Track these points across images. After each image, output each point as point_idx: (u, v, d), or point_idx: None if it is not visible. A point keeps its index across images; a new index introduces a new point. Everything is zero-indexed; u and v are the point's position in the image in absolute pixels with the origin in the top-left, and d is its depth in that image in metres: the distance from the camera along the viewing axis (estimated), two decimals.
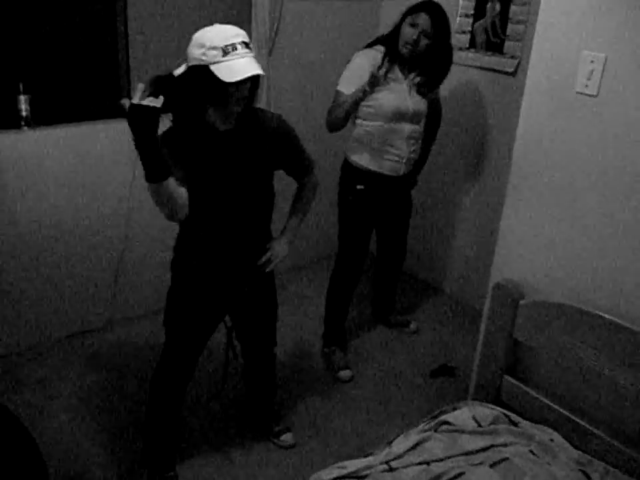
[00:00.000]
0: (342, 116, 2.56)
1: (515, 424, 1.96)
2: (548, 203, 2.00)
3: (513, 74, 3.14)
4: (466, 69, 3.34)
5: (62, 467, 2.32)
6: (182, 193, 1.80)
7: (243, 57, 1.73)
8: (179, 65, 1.82)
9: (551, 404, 1.99)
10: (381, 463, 1.78)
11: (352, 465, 1.77)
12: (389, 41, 2.64)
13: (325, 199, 3.05)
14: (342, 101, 2.56)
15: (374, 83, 2.41)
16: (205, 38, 1.73)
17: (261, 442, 2.52)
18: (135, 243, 3.12)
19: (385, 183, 2.77)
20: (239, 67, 1.71)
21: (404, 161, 2.74)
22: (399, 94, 2.64)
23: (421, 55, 2.61)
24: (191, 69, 1.76)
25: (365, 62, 2.58)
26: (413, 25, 2.55)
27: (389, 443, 1.90)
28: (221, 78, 1.70)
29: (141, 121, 1.63)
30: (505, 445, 1.86)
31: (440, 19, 2.57)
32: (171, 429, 2.30)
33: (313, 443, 2.54)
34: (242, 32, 1.78)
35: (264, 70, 1.93)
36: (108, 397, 2.71)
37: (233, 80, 1.70)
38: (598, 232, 1.87)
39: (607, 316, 1.81)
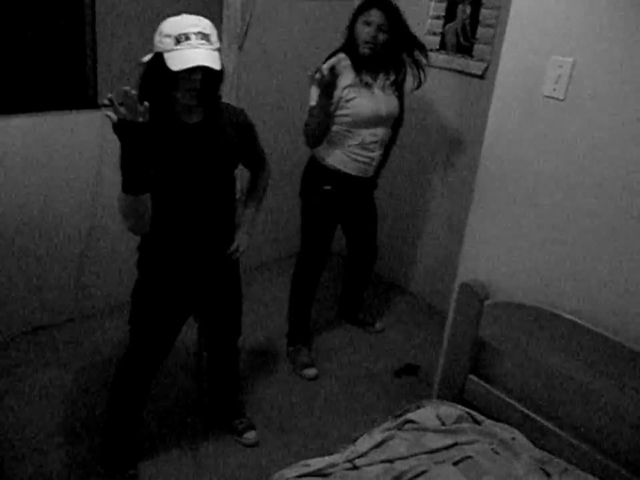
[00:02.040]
0: (317, 129, 2.53)
1: (479, 423, 1.98)
2: (514, 205, 2.02)
3: (482, 77, 3.17)
4: (436, 71, 3.36)
5: (19, 463, 2.27)
6: (149, 208, 1.80)
7: (195, 48, 1.72)
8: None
9: (514, 403, 2.02)
10: (345, 461, 1.78)
11: (316, 463, 1.76)
12: (349, 46, 2.62)
13: (292, 196, 3.04)
14: (312, 112, 2.53)
15: (324, 85, 2.36)
16: (165, 25, 1.75)
17: (224, 439, 2.50)
18: (100, 235, 3.06)
19: (352, 183, 2.76)
20: (187, 57, 1.70)
21: (374, 163, 2.75)
22: (372, 98, 2.63)
23: (383, 51, 2.60)
24: (154, 56, 1.78)
25: (325, 67, 2.52)
26: (367, 23, 2.54)
27: (353, 442, 1.90)
28: (168, 66, 1.71)
29: (128, 135, 1.65)
30: (468, 444, 1.87)
31: (392, 11, 2.56)
32: (133, 427, 2.26)
33: (277, 441, 2.53)
34: (204, 23, 1.77)
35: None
36: (69, 392, 2.65)
37: (176, 69, 1.70)
38: (563, 234, 1.90)
39: (569, 316, 1.84)
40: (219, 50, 1.79)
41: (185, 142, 1.90)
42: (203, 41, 1.73)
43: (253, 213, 2.25)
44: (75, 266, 3.03)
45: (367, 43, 2.56)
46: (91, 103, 2.85)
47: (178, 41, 1.71)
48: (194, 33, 1.72)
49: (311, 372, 2.95)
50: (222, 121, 1.98)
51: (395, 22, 2.58)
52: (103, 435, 2.30)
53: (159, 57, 1.74)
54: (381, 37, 2.56)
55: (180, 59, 1.70)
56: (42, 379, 2.72)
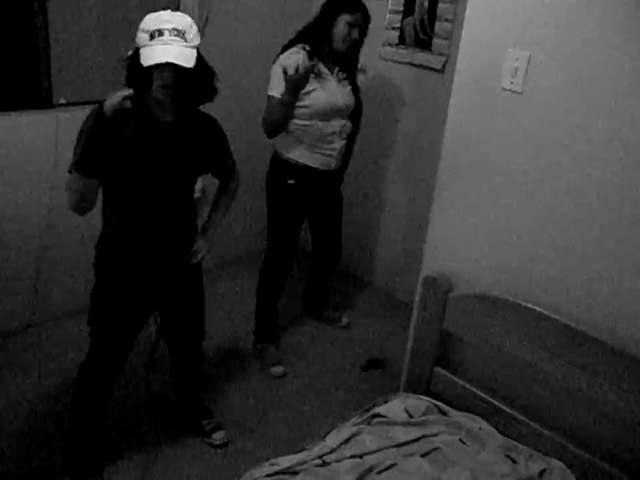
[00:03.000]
0: (279, 121, 2.58)
1: (445, 414, 2.00)
2: (476, 198, 2.05)
3: (441, 71, 3.20)
4: (395, 65, 3.38)
5: None
6: (95, 192, 1.86)
7: (166, 44, 1.71)
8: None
9: (480, 393, 2.05)
10: (315, 458, 1.78)
11: (285, 461, 1.76)
12: (316, 37, 2.62)
13: (255, 193, 3.02)
14: (274, 105, 2.55)
15: (295, 84, 2.45)
16: (144, 21, 1.77)
17: (192, 441, 2.47)
18: (56, 239, 2.98)
19: (316, 177, 2.76)
20: (157, 53, 1.71)
21: (335, 155, 2.75)
22: (329, 90, 2.65)
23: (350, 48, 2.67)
24: (134, 51, 1.79)
25: (291, 64, 2.53)
26: (352, 25, 2.60)
27: (322, 438, 1.90)
28: (141, 61, 1.72)
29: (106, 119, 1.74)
30: (436, 435, 1.90)
31: (367, 17, 2.68)
32: (97, 432, 2.21)
33: (246, 441, 2.51)
34: (180, 20, 1.77)
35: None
36: (29, 398, 2.59)
37: (146, 64, 1.71)
38: (524, 225, 1.93)
39: (532, 306, 1.87)
40: (196, 47, 1.79)
41: (155, 139, 1.89)
42: (177, 38, 1.73)
43: (218, 219, 2.22)
44: (31, 271, 2.95)
45: (344, 41, 2.62)
46: (44, 103, 2.76)
47: (152, 36, 1.72)
48: (168, 30, 1.72)
49: (278, 370, 2.94)
50: (194, 125, 1.97)
51: (366, 25, 2.69)
52: (66, 440, 2.24)
53: (135, 52, 1.77)
54: (356, 37, 2.64)
55: (150, 55, 1.71)
56: (1, 385, 2.64)
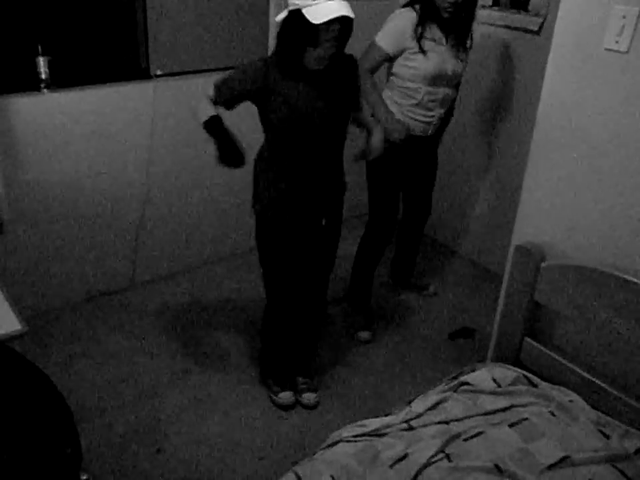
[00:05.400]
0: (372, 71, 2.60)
1: (535, 385, 1.97)
2: (572, 164, 1.96)
3: (538, 32, 3.06)
4: (489, 28, 3.26)
5: (89, 423, 2.38)
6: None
7: (330, 0, 1.86)
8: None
9: (572, 366, 1.99)
10: (401, 422, 1.80)
11: (372, 424, 1.79)
12: (426, 4, 2.56)
13: None
14: (376, 54, 2.57)
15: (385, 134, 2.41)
16: None
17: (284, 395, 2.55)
18: (155, 203, 3.13)
19: (412, 143, 2.73)
20: (326, 10, 1.86)
21: (434, 122, 2.72)
22: (440, 56, 2.59)
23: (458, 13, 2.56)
24: (290, 13, 1.94)
25: (406, 24, 2.53)
26: None
27: (409, 403, 1.92)
28: (310, 20, 1.86)
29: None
30: (524, 406, 1.87)
31: None
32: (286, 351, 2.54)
33: (333, 403, 2.57)
34: None
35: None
36: (134, 356, 2.77)
37: (319, 21, 1.86)
38: (622, 193, 1.84)
39: (628, 277, 1.79)
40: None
41: (307, 86, 2.05)
42: None
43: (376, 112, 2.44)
44: (131, 235, 3.13)
45: (448, 8, 2.52)
46: (143, 74, 2.88)
47: None
48: None
49: (366, 334, 2.98)
50: (338, 67, 2.11)
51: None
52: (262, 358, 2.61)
53: (296, 13, 1.90)
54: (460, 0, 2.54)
55: (319, 12, 1.86)
56: (108, 343, 2.84)
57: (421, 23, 2.53)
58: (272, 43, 3.13)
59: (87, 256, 3.02)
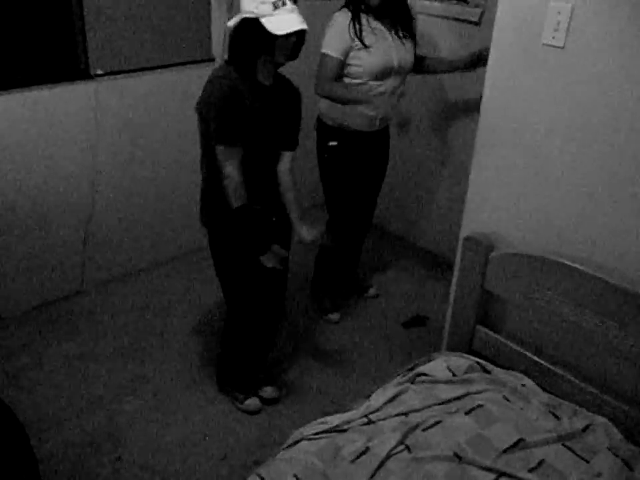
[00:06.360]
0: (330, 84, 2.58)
1: (488, 372, 2.03)
2: (516, 155, 2.02)
3: (477, 23, 3.12)
4: (431, 19, 3.30)
5: (44, 433, 2.33)
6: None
7: (290, 12, 1.90)
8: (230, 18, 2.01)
9: (522, 350, 2.06)
10: (361, 417, 1.83)
11: (333, 420, 1.82)
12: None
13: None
14: (330, 63, 2.53)
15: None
16: None
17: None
18: (102, 206, 3.06)
19: (359, 138, 2.73)
20: (287, 21, 1.88)
21: (379, 116, 2.70)
22: (384, 49, 2.58)
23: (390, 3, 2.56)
24: (243, 21, 1.93)
25: (343, 24, 2.52)
26: None
27: (368, 397, 1.95)
28: (271, 30, 1.87)
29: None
30: (479, 393, 1.93)
31: None
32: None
33: (293, 400, 2.58)
34: None
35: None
36: (87, 361, 2.71)
37: (282, 33, 1.87)
38: (565, 182, 1.90)
39: (572, 264, 1.86)
40: None
41: (263, 102, 2.07)
42: (294, 5, 1.93)
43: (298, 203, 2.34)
44: (79, 238, 3.05)
45: None
46: (83, 75, 2.80)
47: (275, 6, 1.87)
48: None
49: (335, 316, 3.06)
50: (288, 87, 2.18)
51: None
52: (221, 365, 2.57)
53: (251, 22, 1.90)
54: None
55: (282, 24, 1.87)
56: (59, 351, 2.77)
57: (355, 18, 2.52)
58: (215, 39, 3.10)
59: (32, 263, 2.93)
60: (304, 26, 1.90)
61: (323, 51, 2.55)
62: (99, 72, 2.82)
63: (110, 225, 3.13)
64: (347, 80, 2.61)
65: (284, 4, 1.89)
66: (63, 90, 2.75)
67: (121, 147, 3.01)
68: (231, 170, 2.02)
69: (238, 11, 1.97)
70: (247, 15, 1.91)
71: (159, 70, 3.02)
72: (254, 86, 2.05)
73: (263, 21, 1.88)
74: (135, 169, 3.10)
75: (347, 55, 2.55)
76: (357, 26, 2.53)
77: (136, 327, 2.94)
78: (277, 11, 1.87)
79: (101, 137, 2.91)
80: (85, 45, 2.75)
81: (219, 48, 3.07)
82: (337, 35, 2.52)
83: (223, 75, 2.03)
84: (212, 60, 3.14)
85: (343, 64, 2.57)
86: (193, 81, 3.08)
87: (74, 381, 2.60)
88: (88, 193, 2.98)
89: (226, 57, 2.06)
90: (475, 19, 3.11)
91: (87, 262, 3.12)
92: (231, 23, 1.98)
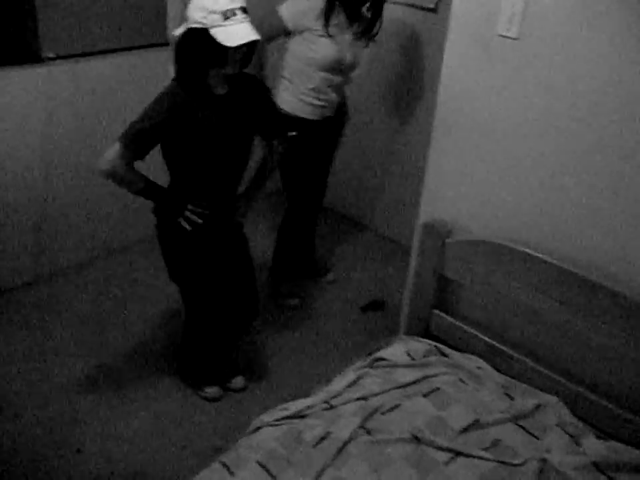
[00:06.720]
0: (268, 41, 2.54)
1: (445, 355, 2.08)
2: (473, 143, 2.06)
3: (434, 10, 3.14)
4: (387, 5, 3.30)
5: None
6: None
7: (241, 22, 1.83)
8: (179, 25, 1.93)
9: (478, 334, 2.12)
10: (321, 402, 1.86)
11: (293, 406, 1.84)
12: None
13: None
14: (275, 22, 2.51)
15: None
16: (206, 2, 1.79)
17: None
18: (56, 193, 2.99)
19: (312, 127, 2.74)
20: (238, 32, 1.81)
21: (329, 105, 2.72)
22: (341, 44, 2.57)
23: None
24: (191, 31, 1.85)
25: (316, 3, 2.49)
26: None
27: (328, 382, 1.98)
28: (221, 42, 1.80)
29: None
30: (436, 376, 1.98)
31: None
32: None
33: (255, 387, 2.60)
34: None
35: None
36: (41, 355, 2.66)
37: (234, 44, 1.81)
38: (521, 171, 1.95)
39: (526, 250, 1.92)
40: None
41: (215, 112, 1.98)
42: (245, 15, 1.85)
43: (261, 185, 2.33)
44: (32, 227, 2.97)
45: None
46: (33, 58, 2.71)
47: (225, 17, 1.80)
48: (238, 9, 1.82)
49: (296, 301, 3.09)
50: (245, 92, 2.08)
51: None
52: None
53: (200, 32, 1.82)
54: None
55: (231, 35, 1.80)
56: (14, 342, 2.71)
57: (331, 6, 2.50)
58: (171, 23, 3.04)
59: None
60: (257, 36, 1.85)
61: (278, 9, 2.52)
62: (51, 55, 2.74)
63: (64, 213, 3.05)
64: (296, 63, 2.60)
65: (234, 14, 1.80)
66: (12, 74, 2.67)
67: (75, 132, 2.94)
68: (117, 167, 1.97)
69: None
70: (195, 25, 1.82)
71: (113, 54, 2.95)
72: (207, 97, 1.98)
73: (213, 31, 1.80)
74: (89, 155, 3.01)
75: (297, 31, 2.53)
76: (328, 13, 2.51)
77: (93, 316, 2.90)
78: (227, 22, 1.79)
79: (53, 122, 2.84)
80: (36, 27, 2.66)
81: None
82: (303, 8, 2.49)
83: (163, 96, 1.97)
84: (167, 44, 3.08)
85: (285, 34, 2.57)
86: (147, 65, 3.05)
87: (30, 373, 2.55)
88: (41, 180, 2.91)
89: (172, 70, 1.98)
90: (431, 6, 3.14)
91: (41, 250, 3.05)
92: (177, 31, 1.90)
